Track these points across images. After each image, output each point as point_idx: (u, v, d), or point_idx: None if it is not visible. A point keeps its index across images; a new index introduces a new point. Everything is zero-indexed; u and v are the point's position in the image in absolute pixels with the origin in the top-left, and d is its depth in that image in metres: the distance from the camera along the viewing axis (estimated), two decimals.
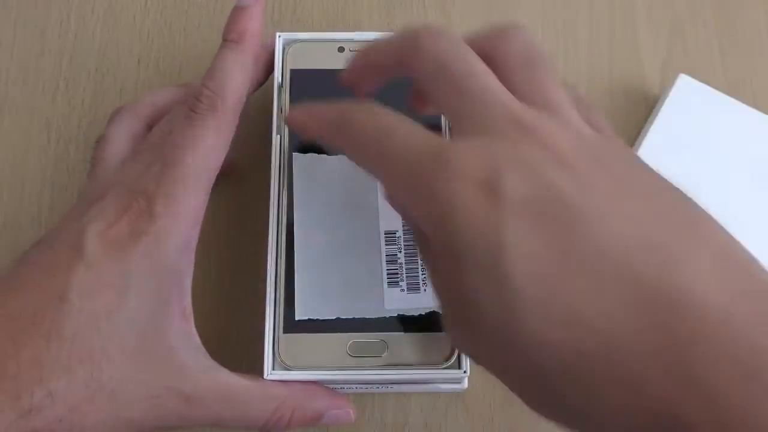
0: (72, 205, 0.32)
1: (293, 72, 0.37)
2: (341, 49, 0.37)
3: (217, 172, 0.31)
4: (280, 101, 0.36)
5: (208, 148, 0.30)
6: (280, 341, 0.32)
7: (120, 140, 0.33)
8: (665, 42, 0.43)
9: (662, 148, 0.38)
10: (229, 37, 0.32)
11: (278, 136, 0.35)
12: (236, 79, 0.31)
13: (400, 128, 0.25)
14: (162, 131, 0.32)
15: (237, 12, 0.33)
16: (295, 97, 0.36)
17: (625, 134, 0.41)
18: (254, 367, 0.34)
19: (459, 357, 0.32)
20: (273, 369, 0.32)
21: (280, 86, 0.36)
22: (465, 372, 0.32)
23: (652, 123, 0.39)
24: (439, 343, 0.32)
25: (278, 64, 0.36)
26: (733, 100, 0.39)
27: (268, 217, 0.34)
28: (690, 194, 0.24)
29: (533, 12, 0.43)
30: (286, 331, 0.32)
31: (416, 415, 0.35)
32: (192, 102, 0.30)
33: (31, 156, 0.39)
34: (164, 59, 0.41)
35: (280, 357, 0.32)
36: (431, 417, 0.35)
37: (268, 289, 0.33)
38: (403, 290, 0.33)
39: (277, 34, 0.37)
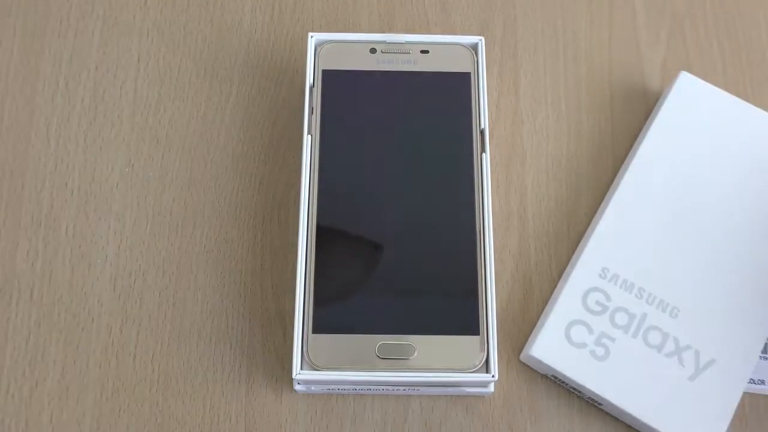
0: None
1: (325, 72, 0.37)
2: (373, 51, 0.37)
3: None
4: (311, 101, 0.36)
5: None
6: (309, 341, 0.32)
7: None
8: (665, 41, 0.43)
9: (663, 146, 0.38)
10: None
11: (309, 136, 0.35)
12: None
13: None
14: None
15: None
16: (326, 98, 0.36)
17: (626, 132, 0.41)
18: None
19: (487, 361, 0.32)
20: (301, 369, 0.32)
21: (312, 87, 0.36)
22: (493, 376, 0.32)
23: (653, 120, 0.39)
24: (467, 347, 0.32)
25: (310, 64, 0.37)
26: (734, 98, 0.39)
27: (298, 217, 0.34)
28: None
29: (532, 11, 0.43)
30: (315, 331, 0.32)
31: (416, 415, 0.35)
32: None
33: (31, 156, 0.39)
34: (164, 58, 0.41)
35: (308, 357, 0.32)
36: (431, 417, 0.35)
37: (297, 290, 0.33)
38: None
39: (309, 34, 0.37)
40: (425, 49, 0.37)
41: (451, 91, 0.37)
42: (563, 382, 0.35)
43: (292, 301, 0.35)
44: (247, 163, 0.39)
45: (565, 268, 0.38)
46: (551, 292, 0.37)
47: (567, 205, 0.39)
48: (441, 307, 0.33)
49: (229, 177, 0.39)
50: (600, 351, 0.35)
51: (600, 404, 0.35)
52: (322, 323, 0.32)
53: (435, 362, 0.32)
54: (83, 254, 0.37)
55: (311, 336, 0.32)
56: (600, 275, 0.36)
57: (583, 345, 0.35)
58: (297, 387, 0.34)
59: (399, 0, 0.43)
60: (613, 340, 0.35)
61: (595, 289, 0.36)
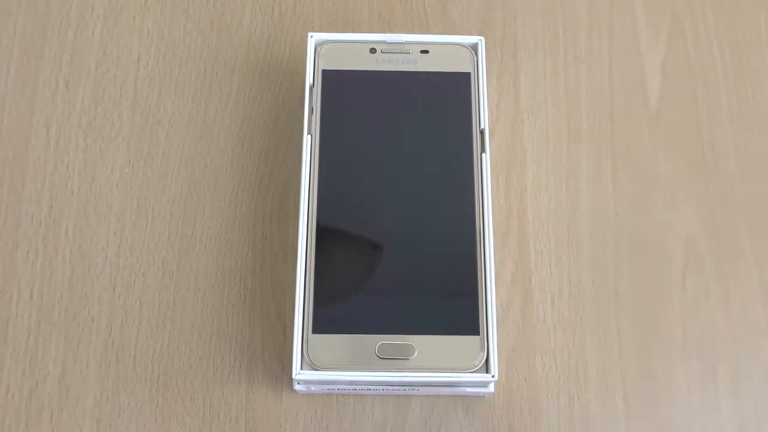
0: None
1: (324, 72, 0.37)
2: (373, 50, 0.37)
3: None
4: (311, 101, 0.36)
5: None
6: (308, 341, 0.32)
7: None
8: (665, 41, 0.43)
9: None
10: None
11: (309, 136, 0.35)
12: None
13: None
14: None
15: None
16: (326, 98, 0.36)
17: (626, 132, 0.41)
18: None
19: (487, 361, 0.32)
20: (301, 369, 0.32)
21: (312, 87, 0.36)
22: (493, 376, 0.32)
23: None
24: (467, 347, 0.32)
25: (310, 64, 0.37)
26: None
27: (298, 217, 0.34)
28: None
29: (532, 11, 0.43)
30: (315, 331, 0.32)
31: (416, 415, 0.35)
32: None
33: (31, 156, 0.39)
34: (164, 58, 0.41)
35: (308, 357, 0.32)
36: (431, 417, 0.35)
37: (297, 290, 0.33)
38: None
39: (309, 34, 0.37)
40: (425, 49, 0.37)
41: (451, 91, 0.37)
42: None
43: (292, 301, 0.35)
44: (247, 163, 0.39)
45: (564, 268, 0.38)
46: (551, 292, 0.37)
47: (567, 205, 0.39)
48: (441, 307, 0.33)
49: (229, 177, 0.39)
50: None
51: None
52: (322, 323, 0.32)
53: (435, 362, 0.32)
54: (83, 254, 0.37)
55: (311, 336, 0.32)
56: None
57: None
58: (297, 387, 0.34)
59: (399, 0, 0.43)
60: None
61: None
